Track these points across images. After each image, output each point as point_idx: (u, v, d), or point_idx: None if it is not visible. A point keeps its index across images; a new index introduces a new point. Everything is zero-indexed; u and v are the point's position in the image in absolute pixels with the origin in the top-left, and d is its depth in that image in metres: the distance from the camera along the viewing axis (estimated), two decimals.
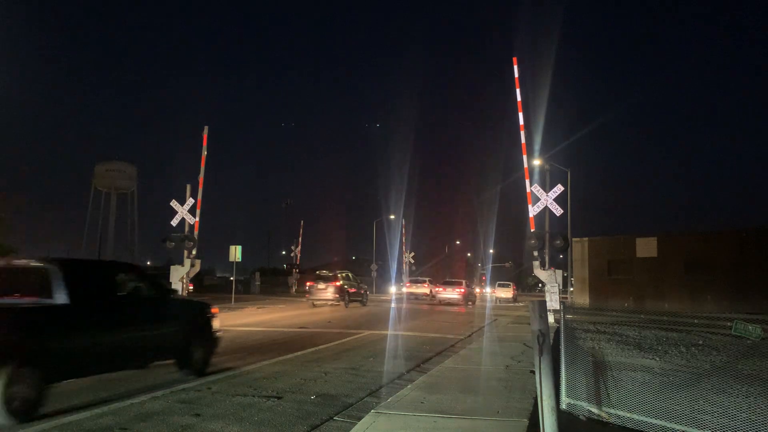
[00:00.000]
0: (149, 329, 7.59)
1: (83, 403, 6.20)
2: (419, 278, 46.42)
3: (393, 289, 47.02)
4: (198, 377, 7.94)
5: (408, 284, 44.28)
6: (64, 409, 5.97)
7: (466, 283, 37.32)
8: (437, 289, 36.52)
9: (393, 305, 29.55)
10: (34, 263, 7.09)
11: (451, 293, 34.22)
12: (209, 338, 8.64)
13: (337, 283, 27.73)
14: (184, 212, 22.42)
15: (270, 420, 5.70)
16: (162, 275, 22.54)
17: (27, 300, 6.58)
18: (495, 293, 47.09)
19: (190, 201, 22.45)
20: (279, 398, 6.66)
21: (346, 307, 27.00)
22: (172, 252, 24.57)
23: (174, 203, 22.64)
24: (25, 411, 5.59)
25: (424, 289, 41.44)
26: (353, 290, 29.10)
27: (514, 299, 45.16)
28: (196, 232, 22.37)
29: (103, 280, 7.44)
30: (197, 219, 22.41)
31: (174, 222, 22.58)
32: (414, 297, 40.70)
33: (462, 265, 79.99)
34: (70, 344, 6.31)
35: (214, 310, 9.12)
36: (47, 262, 6.87)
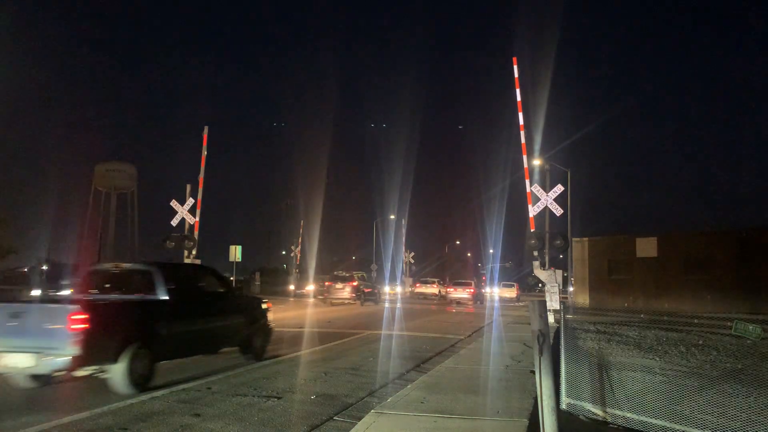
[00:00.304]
0: (223, 320, 8.98)
1: (83, 403, 6.20)
2: (428, 279, 47.69)
3: (387, 288, 47.05)
4: (257, 361, 9.16)
5: (417, 284, 45.66)
6: (63, 409, 5.97)
7: (474, 283, 38.74)
8: (449, 289, 38.47)
9: (398, 305, 29.89)
10: (138, 266, 8.64)
11: (462, 293, 35.97)
12: (266, 329, 9.95)
13: (354, 283, 29.49)
14: (184, 212, 22.40)
15: (270, 420, 5.70)
16: None
17: (134, 296, 7.83)
18: (497, 293, 47.07)
19: (190, 201, 22.43)
20: (279, 398, 6.66)
21: (362, 305, 28.20)
22: (172, 252, 24.52)
23: (174, 203, 22.62)
24: (142, 383, 6.86)
25: (433, 289, 42.95)
26: (368, 290, 30.86)
27: (518, 299, 45.33)
28: (196, 232, 22.35)
29: (190, 279, 9.00)
30: (197, 219, 22.38)
31: (174, 222, 22.57)
32: (423, 297, 42.02)
33: (464, 264, 79.82)
34: (171, 331, 7.57)
35: (268, 304, 10.32)
36: (150, 265, 8.23)
